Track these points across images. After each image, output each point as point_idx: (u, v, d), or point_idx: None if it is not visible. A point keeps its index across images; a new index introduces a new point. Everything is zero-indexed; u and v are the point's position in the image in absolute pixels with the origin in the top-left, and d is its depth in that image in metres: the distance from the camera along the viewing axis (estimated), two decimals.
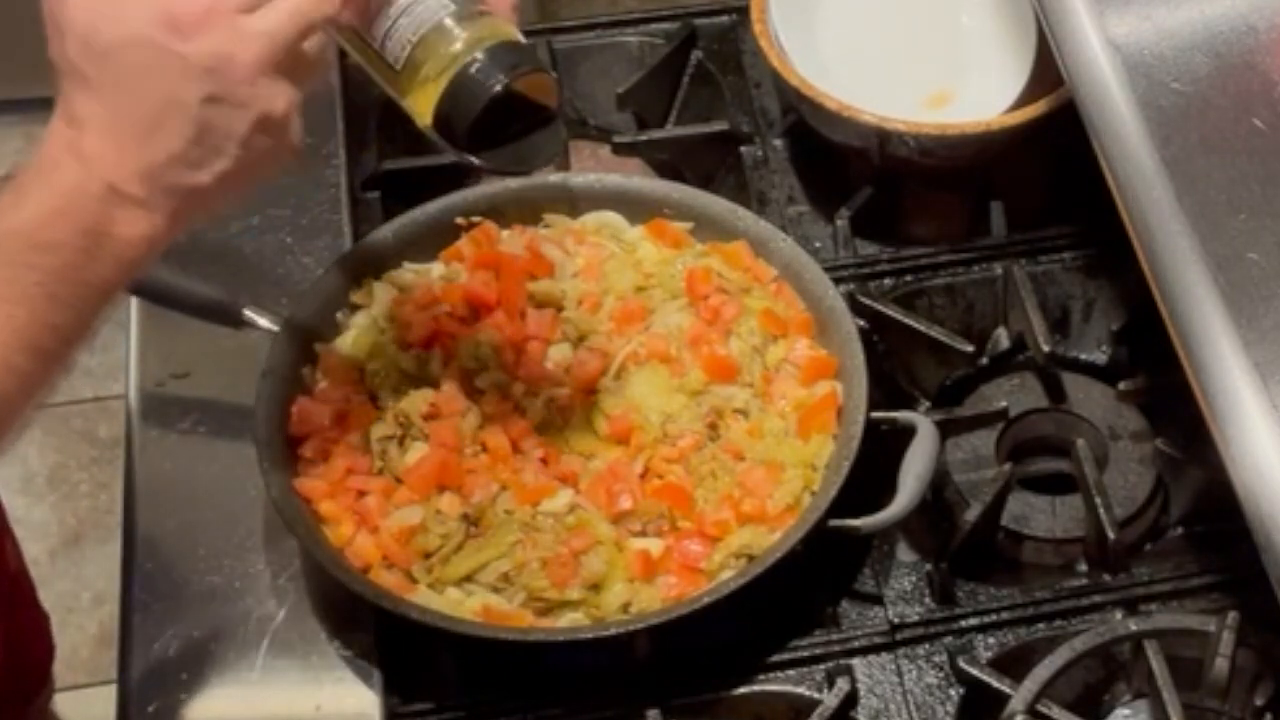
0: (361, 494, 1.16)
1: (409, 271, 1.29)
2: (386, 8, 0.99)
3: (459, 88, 0.98)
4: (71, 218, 0.91)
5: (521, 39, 1.01)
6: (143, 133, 0.92)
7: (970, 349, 1.32)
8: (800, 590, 1.18)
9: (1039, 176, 1.42)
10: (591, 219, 1.32)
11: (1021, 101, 1.38)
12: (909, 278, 1.36)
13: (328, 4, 0.95)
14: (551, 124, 1.04)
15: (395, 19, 0.98)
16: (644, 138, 1.48)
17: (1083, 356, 1.36)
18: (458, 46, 0.98)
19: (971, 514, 1.21)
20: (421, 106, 1.00)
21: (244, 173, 0.95)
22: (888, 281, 1.36)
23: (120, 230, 0.92)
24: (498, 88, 0.98)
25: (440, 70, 0.98)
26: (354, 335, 1.25)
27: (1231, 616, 1.12)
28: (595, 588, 1.12)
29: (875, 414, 1.19)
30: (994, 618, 1.18)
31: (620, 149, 1.47)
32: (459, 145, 1.01)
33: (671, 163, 1.47)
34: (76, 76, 0.92)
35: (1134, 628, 1.14)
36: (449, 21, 0.99)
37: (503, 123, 1.00)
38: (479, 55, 0.98)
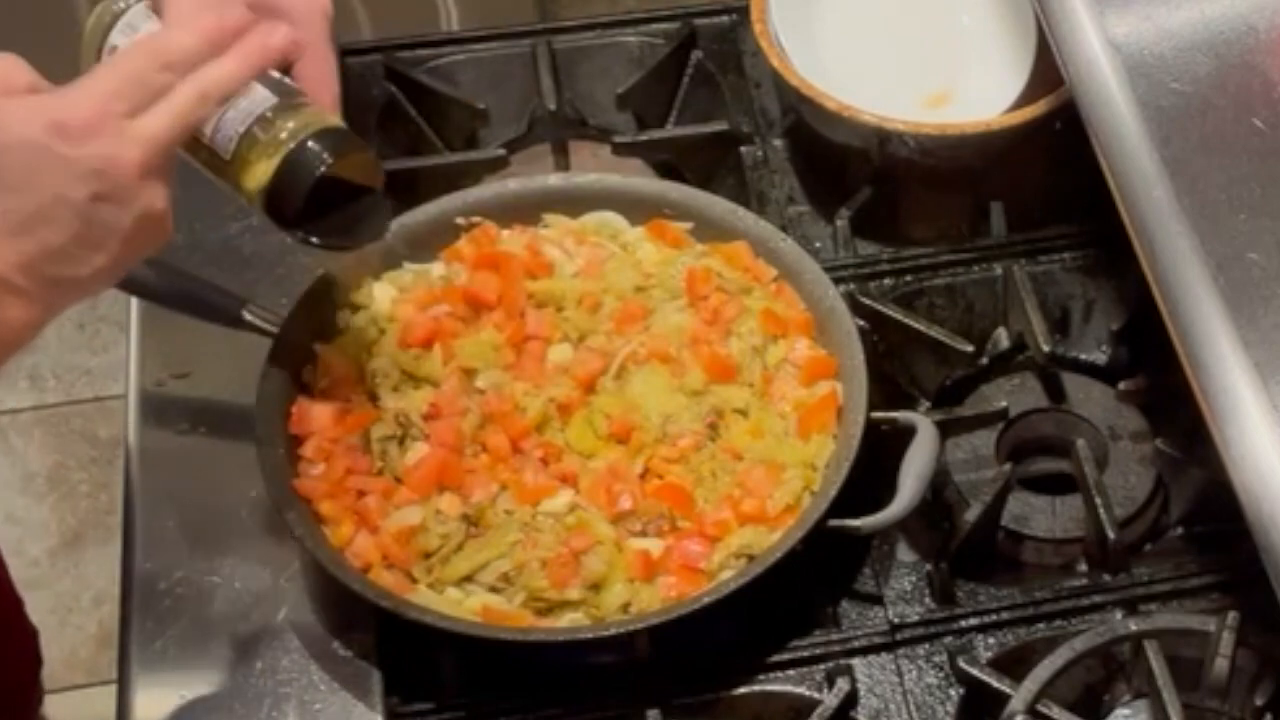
0: (361, 494, 1.16)
1: (409, 271, 1.29)
2: None
3: (286, 171, 1.04)
4: None
5: (343, 125, 1.07)
6: (27, 227, 0.95)
7: (970, 349, 1.32)
8: (800, 590, 1.18)
9: (1039, 176, 1.42)
10: (591, 219, 1.32)
11: (1021, 101, 1.38)
12: (909, 278, 1.36)
13: (204, 107, 1.00)
14: (377, 203, 1.11)
15: (222, 113, 1.04)
16: (644, 138, 1.48)
17: (1083, 356, 1.36)
18: (283, 135, 1.04)
19: (971, 514, 1.21)
20: (251, 191, 1.05)
21: (121, 264, 1.00)
22: (888, 281, 1.36)
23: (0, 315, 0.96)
24: (322, 168, 1.04)
25: (268, 156, 1.04)
26: (354, 335, 1.25)
27: (1231, 616, 1.12)
28: (595, 588, 1.13)
29: (875, 414, 1.19)
30: (994, 618, 1.18)
31: (620, 149, 1.47)
32: (288, 224, 1.07)
33: (671, 163, 1.47)
34: None
35: (1134, 628, 1.14)
36: (271, 113, 1.05)
37: (329, 203, 1.07)
38: (305, 140, 1.04)
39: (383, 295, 1.26)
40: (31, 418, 2.47)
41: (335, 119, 1.08)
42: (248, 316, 1.24)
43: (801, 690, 1.15)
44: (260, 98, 1.05)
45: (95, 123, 0.96)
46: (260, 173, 1.04)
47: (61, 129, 0.95)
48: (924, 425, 1.20)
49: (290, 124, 1.04)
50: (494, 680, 1.14)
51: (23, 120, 0.95)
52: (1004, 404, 1.30)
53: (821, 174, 1.45)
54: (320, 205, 1.06)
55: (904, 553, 1.23)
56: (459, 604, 1.12)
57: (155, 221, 0.99)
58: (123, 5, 1.08)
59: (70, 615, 2.30)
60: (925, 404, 1.33)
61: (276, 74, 1.06)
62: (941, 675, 1.16)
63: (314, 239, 1.09)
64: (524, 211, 1.32)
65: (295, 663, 1.16)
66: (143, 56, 0.99)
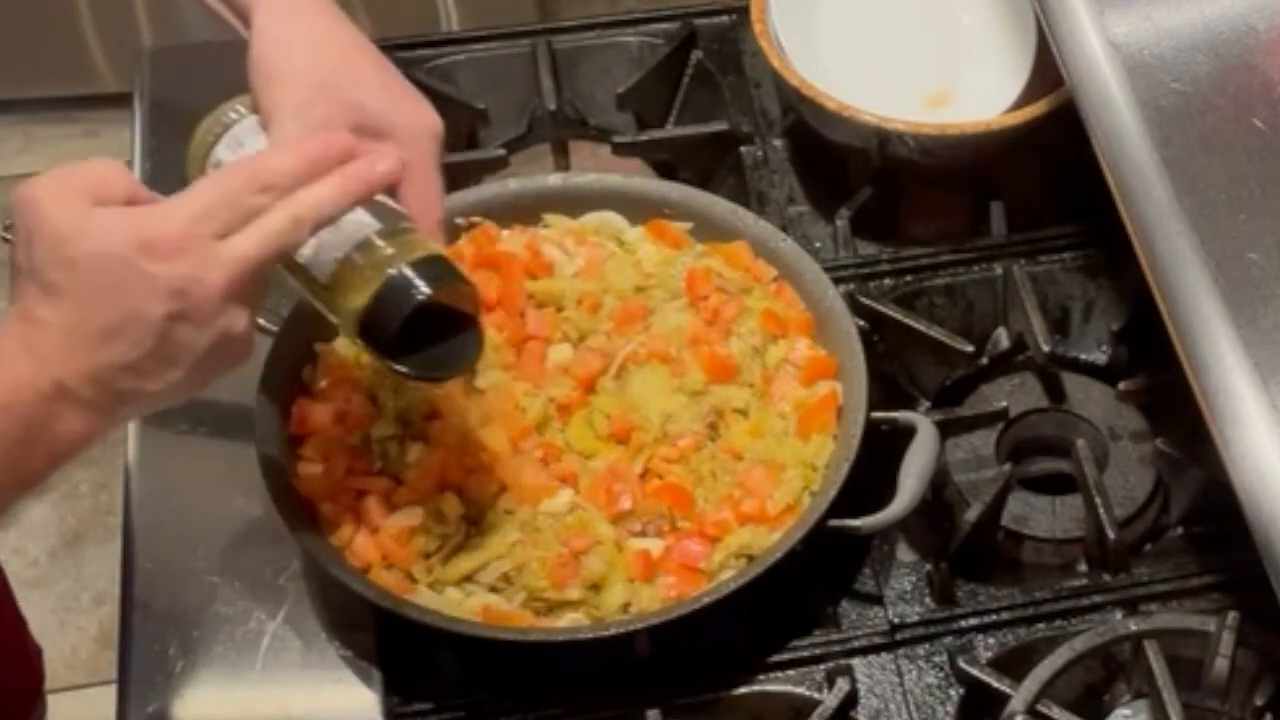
0: (361, 494, 1.16)
1: None
2: None
3: (385, 298, 1.02)
4: (16, 411, 0.94)
5: (443, 254, 1.05)
6: (101, 340, 0.95)
7: (970, 349, 1.32)
8: (800, 590, 1.18)
9: (1039, 176, 1.42)
10: (591, 219, 1.32)
11: (1021, 101, 1.38)
12: (909, 278, 1.36)
13: (296, 232, 0.99)
14: (473, 331, 1.09)
15: (322, 238, 1.02)
16: (644, 138, 1.48)
17: (1083, 356, 1.36)
18: (381, 262, 1.02)
19: (971, 514, 1.21)
20: (348, 318, 1.04)
21: (193, 382, 0.99)
22: (888, 281, 1.36)
23: (60, 427, 0.95)
24: (421, 296, 1.02)
25: (366, 283, 1.02)
26: None
27: (1231, 616, 1.12)
28: (595, 588, 1.13)
29: (875, 414, 1.19)
30: (994, 618, 1.18)
31: (620, 149, 1.47)
32: (383, 352, 1.05)
33: (671, 163, 1.47)
34: (40, 280, 0.95)
35: (1134, 628, 1.14)
36: (375, 238, 1.03)
37: (426, 332, 1.05)
38: (404, 268, 1.02)
39: None
40: None
41: (436, 246, 1.05)
42: None
43: (801, 690, 1.15)
44: (361, 222, 1.02)
45: (182, 242, 0.95)
46: (357, 300, 1.02)
47: (148, 246, 0.94)
48: (924, 425, 1.20)
49: (389, 251, 1.02)
50: (494, 680, 1.14)
51: (111, 232, 0.94)
52: (1004, 404, 1.30)
53: (821, 174, 1.45)
54: (415, 333, 1.04)
55: (904, 553, 1.23)
56: (459, 604, 1.12)
57: (232, 343, 0.98)
58: (232, 118, 1.08)
59: (70, 615, 2.30)
60: (925, 404, 1.33)
61: (380, 197, 1.04)
62: (941, 675, 1.16)
63: (407, 370, 1.06)
64: (524, 211, 1.32)
65: (295, 663, 1.16)
66: (240, 177, 0.98)
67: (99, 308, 0.94)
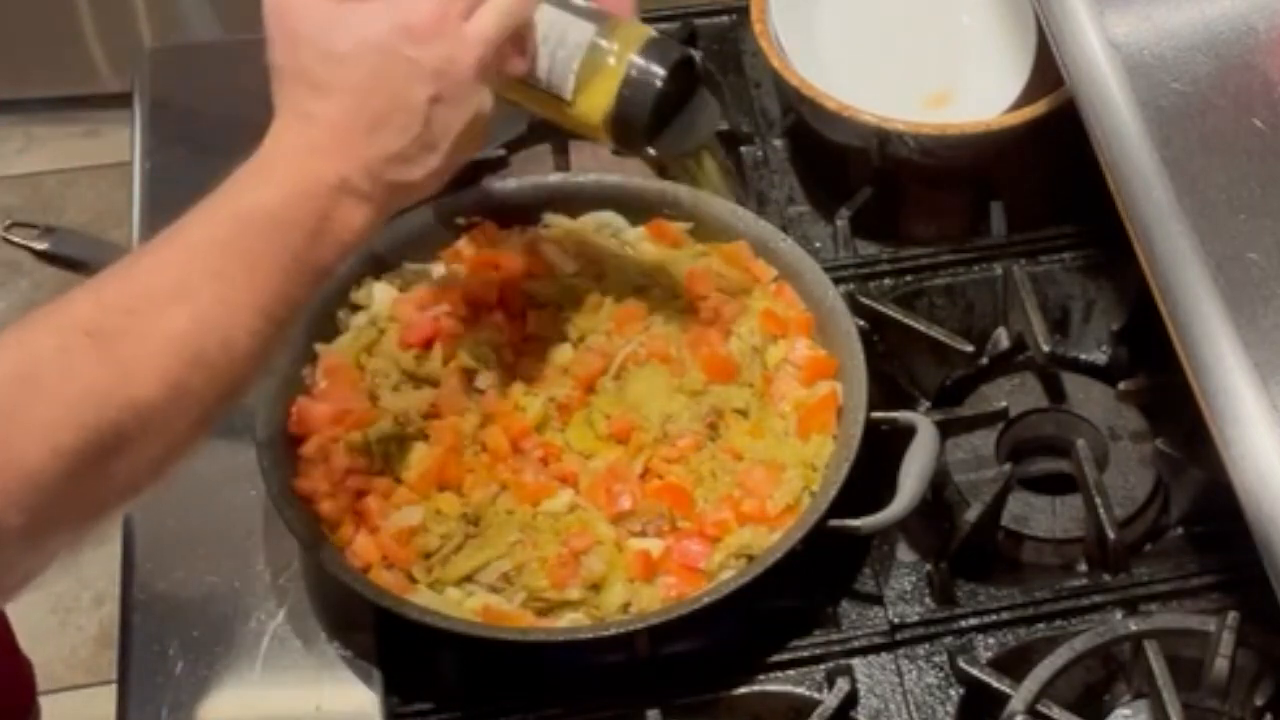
0: (361, 494, 1.16)
1: (409, 271, 1.29)
2: (536, 48, 1.09)
3: (630, 90, 1.09)
4: (310, 202, 0.99)
5: (657, 34, 1.11)
6: (371, 130, 1.01)
7: (970, 349, 1.32)
8: (800, 590, 1.18)
9: (1039, 176, 1.42)
10: (591, 219, 1.32)
11: (1021, 101, 1.38)
12: (909, 278, 1.36)
13: (525, 7, 1.06)
14: (704, 99, 1.15)
15: (552, 54, 1.09)
16: None
17: (1083, 356, 1.36)
18: (611, 60, 1.09)
19: (971, 514, 1.21)
20: (597, 123, 1.10)
21: (449, 168, 1.05)
22: (888, 281, 1.36)
23: (343, 217, 1.00)
24: (659, 82, 1.09)
25: (608, 80, 1.09)
26: (354, 335, 1.25)
27: (1231, 616, 1.12)
28: (595, 588, 1.13)
29: (875, 414, 1.19)
30: (994, 618, 1.18)
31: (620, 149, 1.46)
32: (638, 144, 1.12)
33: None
34: (308, 78, 1.01)
35: (1134, 628, 1.14)
36: (598, 39, 1.09)
37: (667, 111, 1.11)
38: (635, 57, 1.09)
39: (383, 295, 1.26)
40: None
41: (648, 29, 1.11)
42: None
43: (801, 690, 1.15)
44: (579, 30, 1.08)
45: (438, 25, 1.01)
46: (604, 101, 1.08)
47: (408, 30, 1.00)
48: (924, 425, 1.20)
49: (615, 45, 1.08)
50: (494, 680, 1.14)
51: (371, 22, 1.00)
52: (1004, 404, 1.30)
53: (821, 174, 1.45)
54: (660, 119, 1.10)
55: (904, 553, 1.23)
56: (459, 604, 1.12)
57: (483, 123, 1.05)
58: None
59: (70, 615, 2.30)
60: (925, 404, 1.33)
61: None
62: (941, 675, 1.16)
63: (660, 150, 1.14)
64: (524, 211, 1.32)
65: (295, 663, 1.16)
66: None
67: (370, 98, 1.00)
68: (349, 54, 1.00)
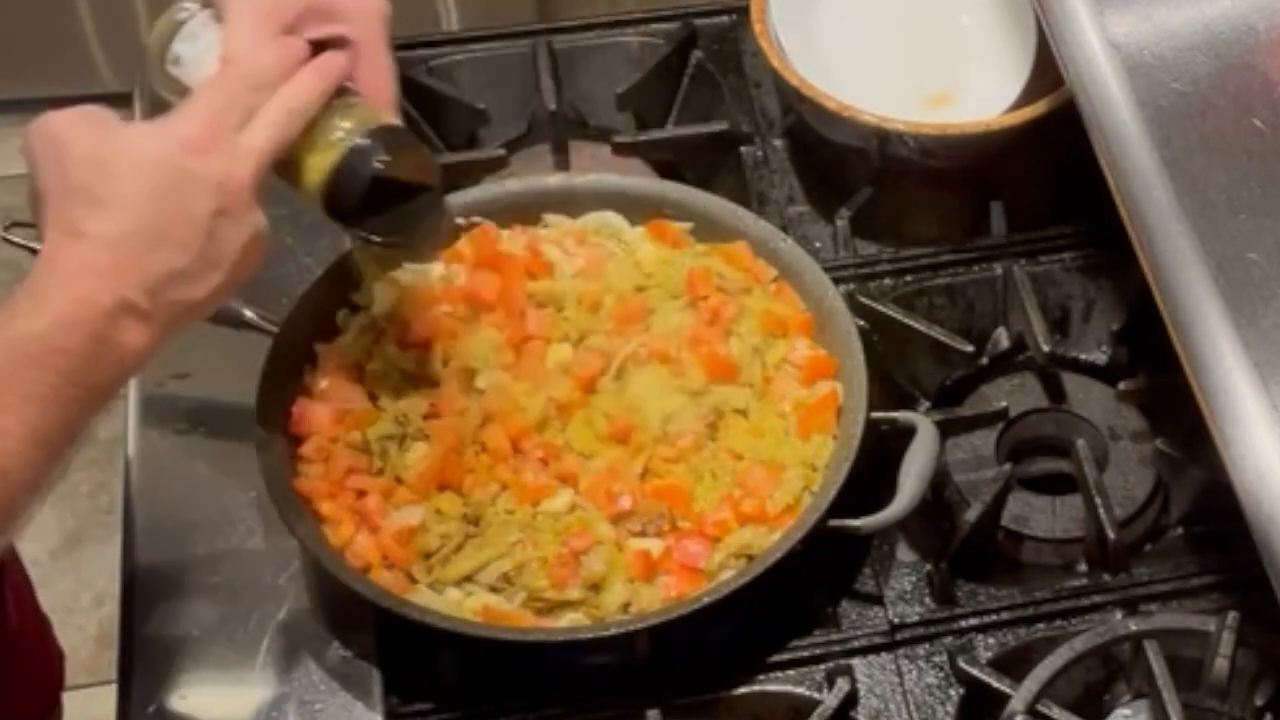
0: (361, 494, 1.16)
1: (409, 271, 1.29)
2: None
3: (344, 168, 1.07)
4: (83, 326, 0.96)
5: (399, 124, 1.10)
6: (152, 247, 0.98)
7: (970, 349, 1.32)
8: (800, 590, 1.18)
9: (1039, 176, 1.42)
10: (591, 219, 1.32)
11: (1021, 101, 1.38)
12: (909, 278, 1.36)
13: (294, 124, 1.04)
14: (434, 201, 1.14)
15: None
16: (644, 138, 1.48)
17: (1083, 356, 1.36)
18: (339, 134, 1.07)
19: (971, 514, 1.21)
20: (311, 189, 1.08)
21: (231, 286, 1.03)
22: (888, 281, 1.36)
23: (122, 339, 0.98)
24: (378, 164, 1.07)
25: (325, 154, 1.07)
26: (354, 335, 1.25)
27: (1231, 616, 1.12)
28: (595, 588, 1.12)
29: (875, 414, 1.19)
30: (994, 618, 1.18)
31: (620, 149, 1.47)
32: (347, 221, 1.11)
33: (671, 163, 1.47)
34: (83, 196, 0.98)
35: (1134, 628, 1.14)
36: (328, 113, 1.07)
37: (387, 202, 1.09)
38: (361, 138, 1.07)
39: (383, 295, 1.26)
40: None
41: (391, 118, 1.10)
42: (248, 316, 1.24)
43: (801, 690, 1.15)
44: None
45: (212, 136, 1.00)
46: (318, 171, 1.07)
47: (184, 142, 0.99)
48: (924, 425, 1.20)
49: (347, 123, 1.07)
50: (494, 680, 1.14)
51: (147, 138, 0.99)
52: (1004, 404, 1.30)
53: (821, 174, 1.45)
54: (379, 204, 1.08)
55: (904, 553, 1.23)
56: (459, 604, 1.12)
57: (260, 242, 1.03)
58: (184, 15, 1.11)
59: (70, 615, 2.30)
60: (925, 404, 1.33)
61: None
62: (941, 675, 1.15)
63: (373, 236, 1.12)
64: (524, 211, 1.32)
65: (295, 663, 1.16)
66: (235, 78, 1.03)
67: (150, 213, 0.98)
68: (127, 170, 0.98)
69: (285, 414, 1.20)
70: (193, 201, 0.98)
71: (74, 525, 2.39)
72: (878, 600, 1.19)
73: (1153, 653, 1.12)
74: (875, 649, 1.17)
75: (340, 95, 1.08)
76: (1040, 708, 1.10)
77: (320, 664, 1.16)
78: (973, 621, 1.18)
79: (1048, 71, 1.28)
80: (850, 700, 1.14)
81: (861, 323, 1.27)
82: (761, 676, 1.15)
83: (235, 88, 1.02)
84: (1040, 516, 1.25)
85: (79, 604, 2.32)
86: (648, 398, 1.20)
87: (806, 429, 1.19)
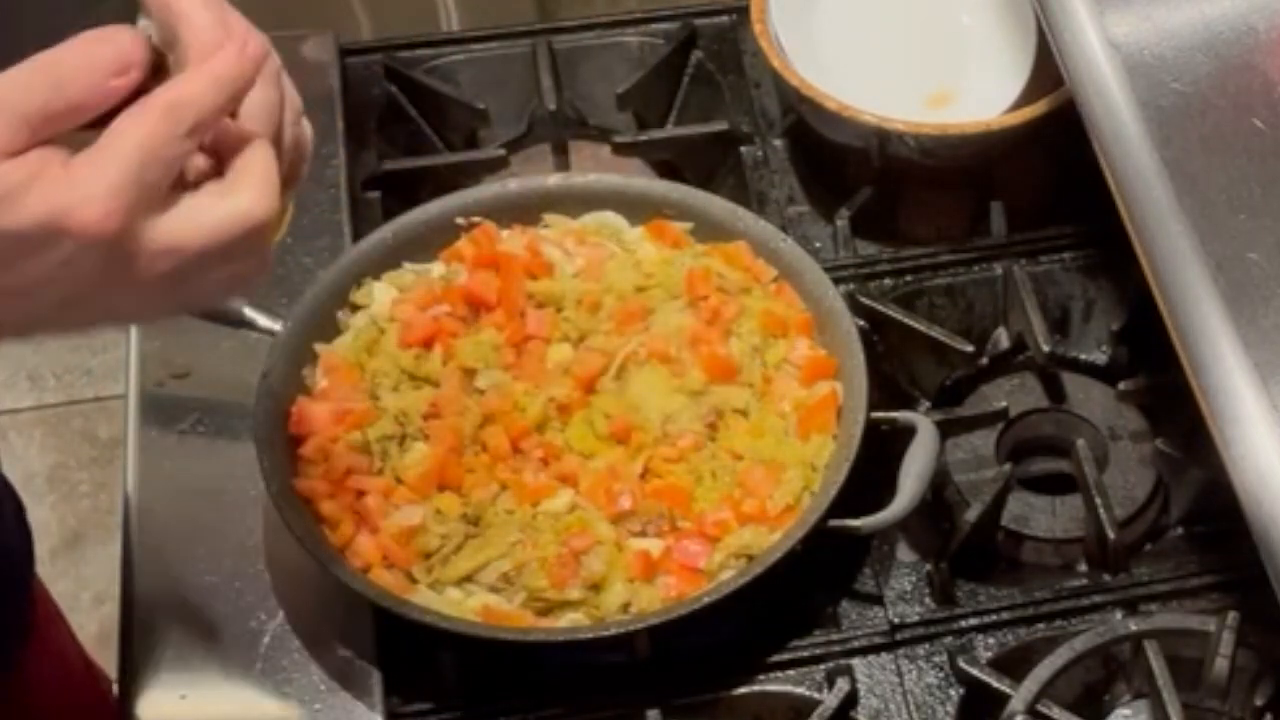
0: (361, 494, 1.16)
1: (409, 271, 1.29)
2: None
3: None
4: None
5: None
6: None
7: (970, 349, 1.32)
8: (800, 590, 1.18)
9: (1039, 176, 1.42)
10: (591, 219, 1.32)
11: (1021, 101, 1.38)
12: (909, 278, 1.36)
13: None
14: None
15: None
16: (644, 138, 1.48)
17: (1083, 356, 1.36)
18: None
19: (971, 514, 1.21)
20: None
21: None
22: (888, 281, 1.36)
23: None
24: None
25: None
26: (354, 335, 1.25)
27: (1231, 616, 1.12)
28: (595, 588, 1.12)
29: (875, 414, 1.19)
30: (994, 618, 1.18)
31: (620, 149, 1.47)
32: None
33: (671, 163, 1.47)
34: None
35: (1134, 628, 1.14)
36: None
37: None
38: None
39: (383, 295, 1.26)
40: (32, 418, 2.47)
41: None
42: (248, 316, 1.24)
43: (801, 690, 1.15)
44: None
45: (104, 223, 0.79)
46: None
47: (64, 226, 0.79)
48: (924, 425, 1.20)
49: None
50: (494, 680, 1.14)
51: (39, 199, 0.79)
52: (1004, 404, 1.30)
53: (821, 174, 1.45)
54: None
55: (904, 553, 1.23)
56: (459, 604, 1.12)
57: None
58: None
59: (70, 615, 2.29)
60: (925, 404, 1.33)
61: None
62: (941, 675, 1.16)
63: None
64: (524, 211, 1.32)
65: (295, 663, 1.16)
66: (160, 120, 0.80)
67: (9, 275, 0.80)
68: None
69: (285, 414, 1.20)
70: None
71: (74, 525, 2.39)
72: (878, 600, 1.19)
73: (1153, 653, 1.12)
74: (875, 649, 1.17)
75: None
76: (1040, 708, 1.10)
77: (320, 664, 1.16)
78: (973, 621, 1.18)
79: (1048, 71, 1.28)
80: (850, 700, 1.14)
81: (861, 323, 1.27)
82: (761, 676, 1.15)
83: (160, 131, 0.80)
84: (1040, 516, 1.25)
85: (79, 604, 2.32)
86: (648, 398, 1.20)
87: (806, 429, 1.19)
